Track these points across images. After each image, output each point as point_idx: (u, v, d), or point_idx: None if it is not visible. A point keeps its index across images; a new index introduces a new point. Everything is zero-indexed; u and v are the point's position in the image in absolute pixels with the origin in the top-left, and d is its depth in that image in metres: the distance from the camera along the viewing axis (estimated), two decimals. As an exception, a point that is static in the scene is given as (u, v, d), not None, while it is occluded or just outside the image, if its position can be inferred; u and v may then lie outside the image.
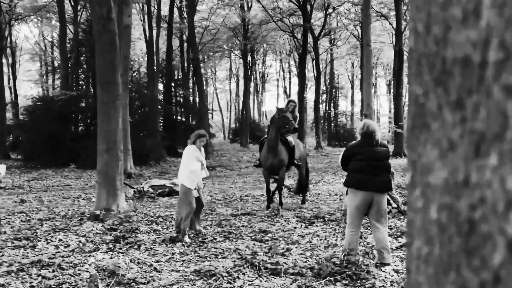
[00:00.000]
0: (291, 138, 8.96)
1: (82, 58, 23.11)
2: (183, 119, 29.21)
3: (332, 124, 43.91)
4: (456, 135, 0.53)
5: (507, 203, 0.45)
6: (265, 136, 9.14)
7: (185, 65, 33.17)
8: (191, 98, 30.64)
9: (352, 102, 49.64)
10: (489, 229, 0.47)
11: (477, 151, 0.49)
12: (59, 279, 4.77)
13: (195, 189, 6.60)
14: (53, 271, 5.02)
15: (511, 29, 0.45)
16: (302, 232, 6.94)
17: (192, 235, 6.81)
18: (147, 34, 27.56)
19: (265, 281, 4.76)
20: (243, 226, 7.43)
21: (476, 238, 0.49)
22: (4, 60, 29.25)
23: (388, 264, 5.19)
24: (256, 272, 5.02)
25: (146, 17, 29.73)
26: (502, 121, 0.46)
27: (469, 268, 0.50)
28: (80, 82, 23.79)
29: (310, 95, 49.77)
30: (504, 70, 0.46)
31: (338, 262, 5.17)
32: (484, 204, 0.48)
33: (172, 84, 29.04)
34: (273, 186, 9.36)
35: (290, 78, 51.30)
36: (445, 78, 0.56)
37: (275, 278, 4.84)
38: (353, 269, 4.92)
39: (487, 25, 0.48)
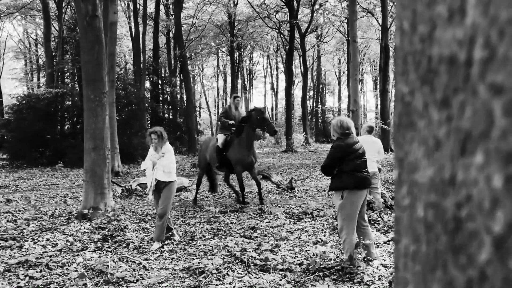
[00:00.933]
0: None
1: (67, 55, 22.87)
2: (171, 117, 29.08)
3: (320, 121, 44.07)
4: (442, 133, 0.53)
5: (493, 201, 0.45)
6: (222, 135, 9.24)
7: (172, 62, 32.99)
8: (178, 96, 30.51)
9: (339, 98, 49.85)
10: (475, 227, 0.47)
11: (463, 149, 0.49)
12: (46, 279, 4.73)
13: (148, 191, 6.29)
14: (41, 271, 4.98)
15: (495, 28, 0.46)
16: (290, 228, 6.97)
17: (181, 232, 6.79)
18: (133, 31, 27.36)
19: (255, 277, 4.77)
20: (232, 223, 7.43)
21: (463, 236, 0.49)
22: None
23: (375, 259, 5.23)
24: (245, 268, 5.03)
25: (132, 14, 29.49)
26: (487, 119, 0.46)
27: (455, 266, 0.50)
28: (66, 80, 23.55)
29: (297, 92, 49.89)
30: (489, 68, 0.46)
31: (327, 258, 5.20)
32: (470, 202, 0.48)
33: (159, 81, 28.88)
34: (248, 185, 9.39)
35: (277, 75, 51.32)
36: (431, 76, 0.56)
37: (264, 274, 4.85)
38: (342, 264, 4.95)
39: (472, 23, 0.49)
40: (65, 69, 22.86)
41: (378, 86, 41.67)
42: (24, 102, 19.80)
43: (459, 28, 0.50)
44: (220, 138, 9.16)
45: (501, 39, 0.45)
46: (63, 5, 26.23)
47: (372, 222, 7.04)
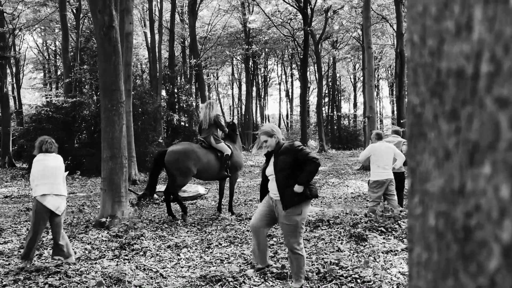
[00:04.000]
0: None
1: (85, 65, 23.23)
2: (186, 125, 29.26)
3: (335, 127, 43.90)
4: (452, 144, 0.54)
5: (501, 210, 0.47)
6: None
7: (188, 71, 33.27)
8: (194, 104, 30.69)
9: (355, 105, 49.61)
10: (484, 236, 0.49)
11: (471, 160, 0.51)
12: (65, 286, 4.79)
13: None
14: (60, 279, 5.05)
15: (501, 43, 0.47)
16: (307, 236, 6.94)
17: (198, 240, 6.82)
18: (149, 41, 27.71)
19: (271, 285, 4.77)
20: (248, 230, 7.43)
21: (472, 245, 0.50)
22: (8, 70, 29.44)
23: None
24: (262, 276, 5.03)
25: (148, 23, 29.89)
26: (494, 131, 0.48)
27: (466, 273, 0.51)
28: (84, 90, 23.91)
29: (312, 98, 49.79)
30: (495, 82, 0.48)
31: (344, 265, 5.17)
32: (479, 211, 0.49)
33: (175, 90, 29.13)
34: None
35: (292, 82, 51.33)
36: (440, 89, 0.57)
37: (281, 282, 4.84)
38: (359, 271, 4.92)
39: (478, 38, 0.50)
40: (82, 79, 23.22)
41: (394, 91, 41.42)
42: (43, 112, 20.15)
43: (466, 43, 0.52)
44: (226, 147, 8.99)
45: (506, 54, 0.47)
46: (81, 16, 26.69)
47: (390, 230, 6.98)
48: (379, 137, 8.00)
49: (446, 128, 0.56)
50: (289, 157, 4.46)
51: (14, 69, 33.02)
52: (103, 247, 6.48)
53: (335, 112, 45.64)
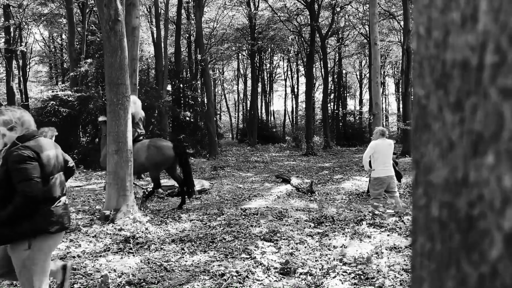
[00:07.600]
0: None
1: (90, 59, 23.27)
2: (192, 120, 29.28)
3: (341, 124, 43.77)
4: (456, 135, 0.55)
5: (503, 200, 0.47)
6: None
7: (193, 66, 33.25)
8: (199, 99, 30.71)
9: (361, 101, 49.43)
10: (487, 225, 0.49)
11: (475, 150, 0.51)
12: (70, 279, 4.83)
13: None
14: (65, 271, 5.08)
15: (506, 34, 0.48)
16: (311, 231, 6.96)
17: (202, 235, 6.84)
18: (155, 36, 27.72)
19: (275, 280, 4.79)
20: (252, 226, 7.46)
21: (475, 234, 0.51)
22: (14, 63, 29.54)
23: None
24: (265, 271, 5.05)
25: (154, 18, 29.89)
26: (498, 122, 0.48)
27: (468, 263, 0.52)
28: (89, 84, 23.96)
29: (318, 95, 49.66)
30: (500, 73, 0.48)
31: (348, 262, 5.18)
32: (482, 201, 0.50)
33: (181, 85, 29.13)
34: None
35: (297, 78, 51.13)
36: (445, 80, 0.58)
37: (284, 278, 4.86)
38: (363, 268, 4.93)
39: (484, 29, 0.51)
40: (88, 73, 23.26)
41: (400, 89, 41.27)
42: (49, 105, 20.22)
43: (471, 34, 0.53)
44: None
45: (510, 44, 0.47)
46: (87, 10, 26.71)
47: (394, 227, 6.98)
48: (383, 133, 7.99)
49: (450, 119, 0.56)
50: (3, 171, 3.01)
51: (20, 62, 33.11)
52: (108, 240, 6.52)
53: (340, 109, 45.47)
